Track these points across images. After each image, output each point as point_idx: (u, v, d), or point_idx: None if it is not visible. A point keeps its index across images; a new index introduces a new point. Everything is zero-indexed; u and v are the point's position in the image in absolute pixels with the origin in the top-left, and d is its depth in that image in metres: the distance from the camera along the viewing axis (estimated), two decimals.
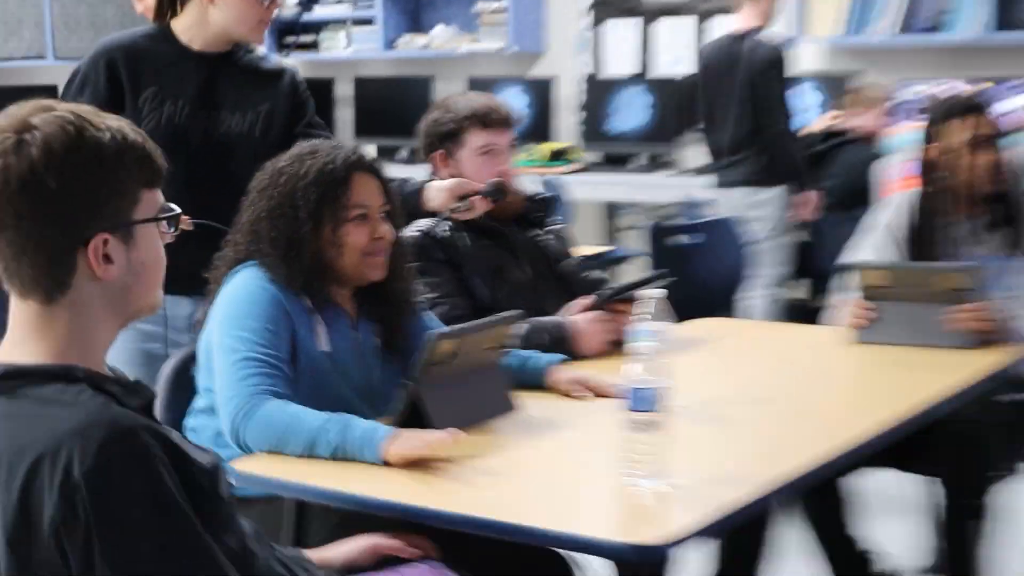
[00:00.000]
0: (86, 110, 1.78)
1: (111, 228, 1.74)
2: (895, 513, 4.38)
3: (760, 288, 6.28)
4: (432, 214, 3.48)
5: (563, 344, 3.35)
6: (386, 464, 2.47)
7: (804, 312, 6.76)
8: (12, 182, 1.69)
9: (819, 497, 3.72)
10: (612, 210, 8.50)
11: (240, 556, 1.76)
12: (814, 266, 6.71)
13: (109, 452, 1.63)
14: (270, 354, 2.68)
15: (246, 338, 2.69)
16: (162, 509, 1.66)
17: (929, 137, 3.86)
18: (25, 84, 8.24)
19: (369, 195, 2.84)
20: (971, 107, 3.80)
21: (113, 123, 1.77)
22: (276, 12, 3.47)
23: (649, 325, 2.83)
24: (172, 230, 1.85)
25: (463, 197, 3.47)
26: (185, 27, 3.44)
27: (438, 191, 3.49)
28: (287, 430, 2.57)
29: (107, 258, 1.75)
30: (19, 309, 1.78)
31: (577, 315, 3.40)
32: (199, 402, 2.86)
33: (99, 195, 1.74)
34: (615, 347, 3.36)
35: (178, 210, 1.85)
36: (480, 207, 3.48)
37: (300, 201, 2.77)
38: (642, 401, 2.34)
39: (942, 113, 3.84)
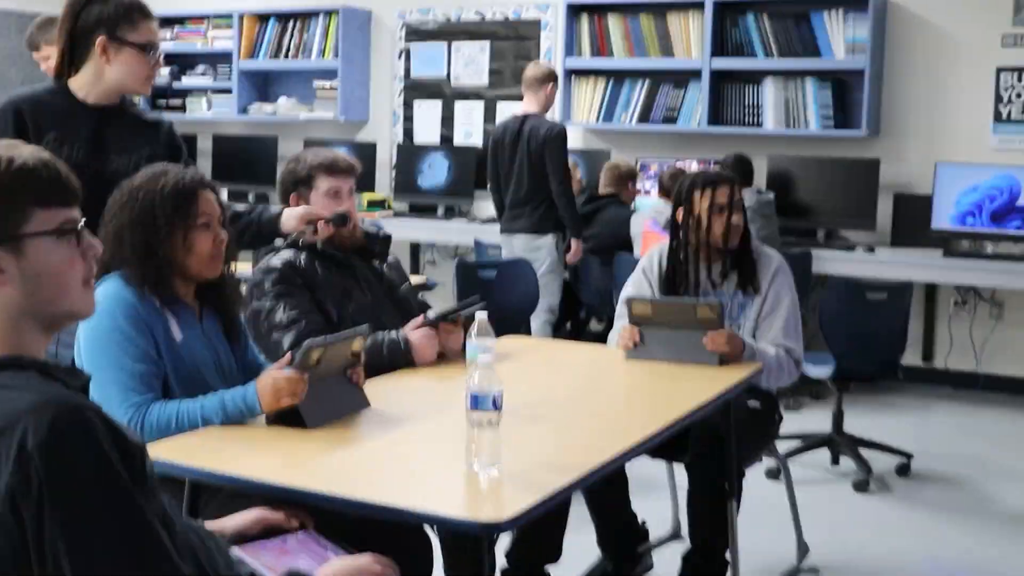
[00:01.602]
0: None
1: None
2: (650, 491, 4.38)
3: (537, 314, 6.26)
4: (284, 235, 3.41)
5: (401, 355, 3.25)
6: (265, 415, 2.54)
7: (570, 333, 6.81)
8: None
9: (605, 479, 3.68)
10: (417, 248, 8.41)
11: (164, 522, 1.61)
12: (577, 299, 6.74)
13: (59, 427, 1.49)
14: (137, 358, 2.55)
15: (114, 353, 2.55)
16: (106, 478, 1.52)
17: (677, 202, 3.85)
18: None
19: (211, 208, 2.71)
20: (710, 181, 3.80)
21: (7, 153, 1.62)
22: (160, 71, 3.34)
23: (481, 341, 2.77)
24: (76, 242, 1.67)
25: (311, 222, 3.38)
26: (80, 84, 3.29)
27: (291, 217, 3.42)
28: (177, 426, 2.50)
29: None
30: None
31: (412, 331, 3.30)
32: None
33: None
34: (441, 358, 3.33)
35: (79, 225, 1.68)
36: (324, 231, 3.38)
37: (158, 211, 2.63)
38: (482, 403, 2.24)
39: (688, 185, 3.83)
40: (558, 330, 6.58)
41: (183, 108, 9.21)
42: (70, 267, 1.65)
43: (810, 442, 5.40)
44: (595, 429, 2.73)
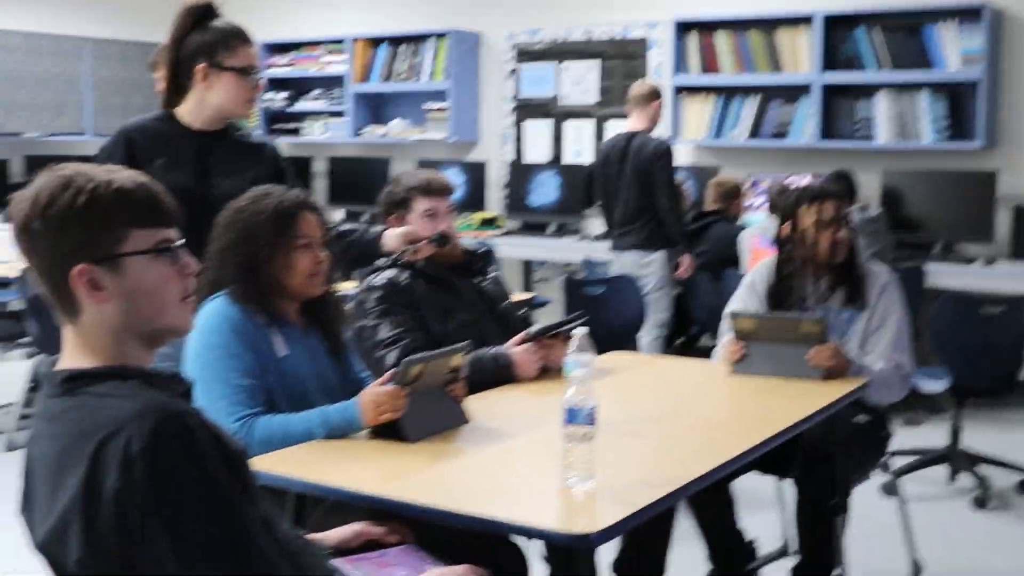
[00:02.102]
0: (87, 167, 1.71)
1: (93, 259, 1.67)
2: (759, 508, 4.35)
3: (648, 330, 6.26)
4: (386, 254, 3.47)
5: (503, 370, 3.29)
6: (369, 428, 2.60)
7: (681, 349, 6.78)
8: (16, 228, 1.68)
9: (712, 496, 3.67)
10: (528, 266, 8.46)
11: (264, 526, 1.67)
12: (688, 315, 6.71)
13: (161, 432, 1.56)
14: (243, 373, 2.63)
15: (220, 368, 2.63)
16: (207, 481, 1.58)
17: (783, 217, 3.83)
18: (67, 155, 8.08)
19: (312, 228, 2.79)
20: (816, 196, 3.77)
21: (107, 176, 1.70)
22: (262, 94, 3.43)
23: (579, 356, 2.78)
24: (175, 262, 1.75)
25: (412, 242, 3.44)
26: (186, 111, 3.40)
27: (392, 237, 3.49)
28: (282, 440, 2.56)
29: (97, 285, 1.68)
30: (64, 331, 1.74)
31: (514, 347, 3.34)
32: None
33: (77, 234, 1.66)
34: (544, 373, 3.35)
35: (175, 244, 1.75)
36: (425, 251, 3.44)
37: (259, 232, 2.73)
38: (576, 417, 2.26)
39: (794, 200, 3.81)
40: (669, 346, 6.56)
41: (298, 132, 9.42)
42: (166, 284, 1.72)
43: (927, 458, 5.30)
44: (693, 443, 2.73)
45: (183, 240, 1.79)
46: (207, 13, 3.36)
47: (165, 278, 1.72)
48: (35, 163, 8.08)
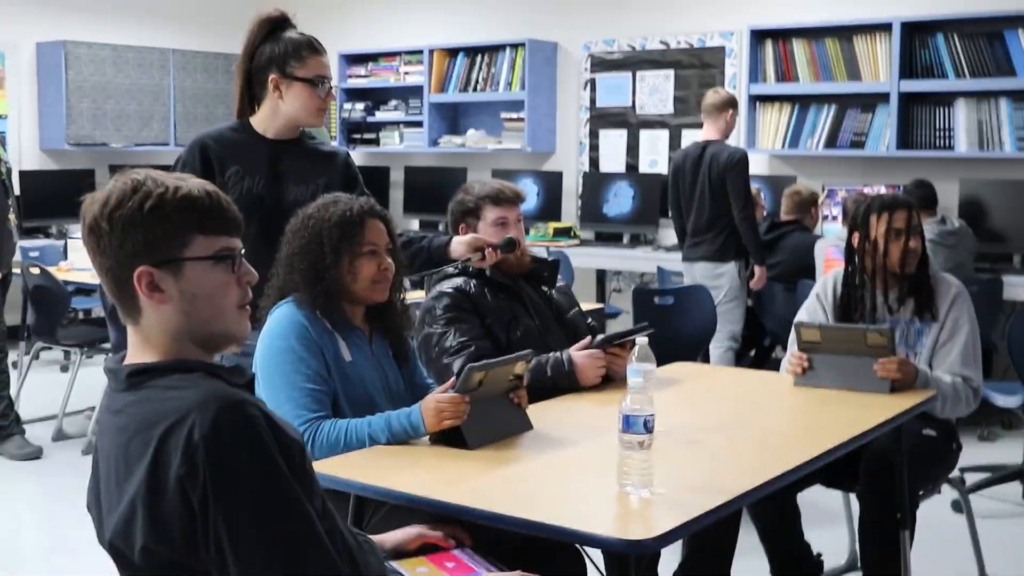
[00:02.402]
0: (158, 173, 1.78)
1: (155, 263, 1.73)
2: (827, 522, 4.33)
3: (719, 341, 6.25)
4: (453, 262, 3.50)
5: (565, 375, 3.32)
6: (429, 435, 2.65)
7: (753, 361, 6.75)
8: (85, 227, 1.75)
9: (776, 509, 3.67)
10: (603, 276, 8.48)
11: (323, 516, 1.73)
12: (762, 327, 6.68)
13: (224, 419, 1.63)
14: (308, 377, 2.70)
15: (287, 372, 2.70)
16: (266, 467, 1.64)
17: (853, 227, 3.81)
18: (151, 164, 8.25)
19: (378, 236, 2.85)
20: (886, 205, 3.75)
21: (176, 183, 1.76)
22: (334, 104, 3.48)
23: (639, 365, 2.81)
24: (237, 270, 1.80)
25: (479, 249, 3.47)
26: (260, 120, 3.47)
27: (459, 244, 3.52)
28: (346, 444, 2.64)
29: (156, 288, 1.74)
30: (128, 331, 1.81)
31: (577, 352, 3.36)
32: None
33: (141, 236, 1.72)
34: (608, 382, 3.37)
35: (236, 252, 1.80)
36: (491, 258, 3.47)
37: (325, 239, 2.79)
38: (633, 425, 2.29)
39: (864, 209, 3.78)
40: (741, 358, 6.53)
41: (376, 142, 9.54)
42: (225, 291, 1.78)
43: (1000, 474, 5.22)
44: (753, 453, 2.74)
45: (252, 247, 1.85)
46: (280, 24, 3.42)
47: (223, 284, 1.78)
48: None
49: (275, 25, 3.43)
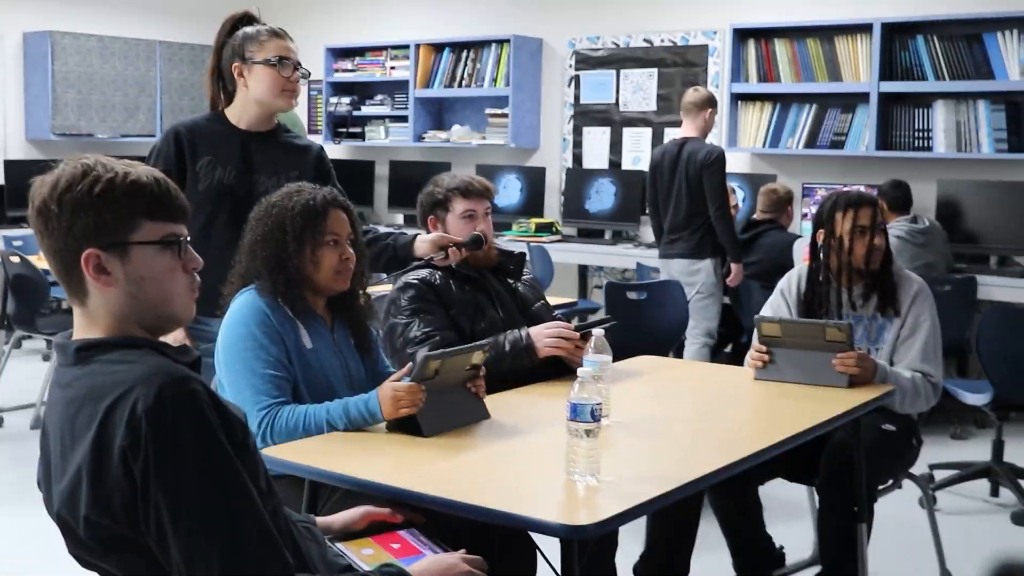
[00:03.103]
0: (108, 159, 1.81)
1: (102, 246, 1.76)
2: (792, 516, 4.38)
3: (694, 337, 6.29)
4: (418, 259, 3.51)
5: (523, 351, 3.34)
6: (387, 422, 2.68)
7: (730, 358, 6.79)
8: (32, 209, 1.78)
9: (738, 501, 3.71)
10: (585, 271, 8.52)
11: (266, 496, 1.77)
12: (738, 324, 6.72)
13: (167, 394, 1.66)
14: (268, 364, 2.73)
15: (248, 358, 2.73)
16: (208, 441, 1.68)
17: (818, 224, 3.85)
18: (137, 156, 8.28)
19: (341, 226, 2.88)
20: (852, 203, 3.79)
21: (125, 169, 1.80)
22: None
23: (594, 356, 2.86)
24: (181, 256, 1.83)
25: (443, 247, 3.48)
26: (233, 112, 3.52)
27: (423, 242, 3.54)
28: (305, 429, 2.67)
29: (103, 270, 1.77)
30: (75, 313, 1.84)
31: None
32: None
33: (90, 219, 1.75)
34: (570, 373, 3.37)
35: (181, 239, 1.83)
36: (455, 256, 3.48)
37: (288, 227, 2.82)
38: (580, 413, 2.32)
39: (830, 206, 3.82)
40: (717, 354, 6.58)
41: (362, 136, 9.57)
42: (171, 275, 1.82)
43: (969, 472, 5.26)
44: (707, 444, 2.78)
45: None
46: (244, 20, 3.50)
47: (169, 269, 1.81)
48: None
49: (238, 21, 3.51)
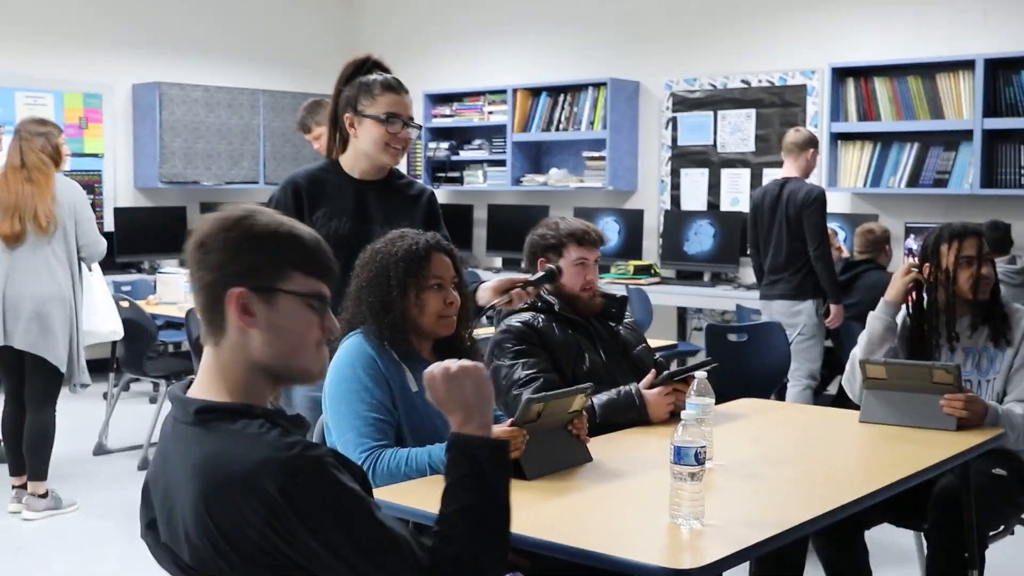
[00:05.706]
0: (259, 207, 1.88)
1: (252, 287, 1.80)
2: (894, 562, 4.29)
3: (797, 379, 6.22)
4: (480, 308, 3.37)
5: (635, 410, 3.34)
6: None
7: (834, 400, 6.69)
8: (192, 242, 1.84)
9: (844, 546, 3.65)
10: (684, 314, 8.48)
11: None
12: (839, 366, 6.62)
13: (292, 467, 1.70)
14: (372, 407, 2.77)
15: (352, 400, 2.78)
16: (346, 497, 1.73)
17: (924, 258, 3.80)
18: (242, 202, 8.47)
19: (444, 269, 2.91)
20: (956, 234, 3.75)
21: (278, 219, 1.86)
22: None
23: (696, 399, 2.85)
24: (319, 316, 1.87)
25: (506, 291, 3.36)
26: (347, 160, 3.52)
27: (485, 290, 3.41)
28: (406, 472, 2.71)
29: (247, 311, 1.80)
30: (204, 354, 1.87)
31: (648, 388, 3.38)
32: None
33: (247, 259, 1.80)
34: (675, 417, 3.37)
35: (326, 299, 1.87)
36: (520, 298, 3.37)
37: (392, 272, 2.87)
38: (684, 456, 2.32)
39: (934, 239, 3.79)
40: (820, 396, 6.49)
41: (460, 180, 9.66)
42: (308, 330, 1.86)
43: None
44: (812, 487, 2.75)
45: (336, 285, 1.94)
46: (364, 67, 3.48)
47: (309, 324, 1.85)
48: (211, 211, 8.49)
49: (358, 68, 3.48)
